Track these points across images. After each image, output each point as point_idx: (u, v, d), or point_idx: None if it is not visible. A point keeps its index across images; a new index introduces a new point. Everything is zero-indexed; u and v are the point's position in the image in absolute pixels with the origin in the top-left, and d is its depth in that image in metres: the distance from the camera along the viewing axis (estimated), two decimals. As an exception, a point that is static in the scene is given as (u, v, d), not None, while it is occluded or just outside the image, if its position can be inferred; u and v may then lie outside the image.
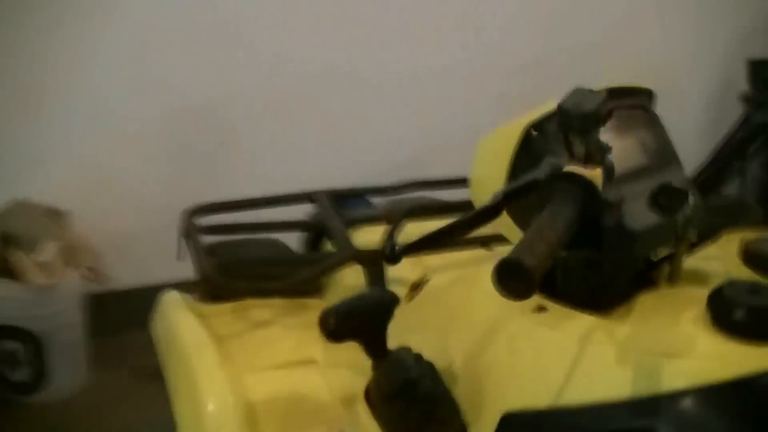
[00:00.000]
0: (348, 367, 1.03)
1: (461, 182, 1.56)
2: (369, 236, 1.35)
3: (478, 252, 1.28)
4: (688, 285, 0.98)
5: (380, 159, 2.84)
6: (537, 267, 0.66)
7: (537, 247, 0.67)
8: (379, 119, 2.83)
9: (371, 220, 1.38)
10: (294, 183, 2.69)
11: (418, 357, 0.95)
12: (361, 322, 0.89)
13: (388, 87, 2.80)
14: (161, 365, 1.22)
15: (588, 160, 0.78)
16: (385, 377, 0.92)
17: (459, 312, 1.09)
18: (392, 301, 0.92)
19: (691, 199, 0.93)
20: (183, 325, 1.14)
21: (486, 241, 1.27)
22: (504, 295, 0.69)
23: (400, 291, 1.24)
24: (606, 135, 0.99)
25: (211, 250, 1.24)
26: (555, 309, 0.98)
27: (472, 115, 2.93)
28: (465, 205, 1.28)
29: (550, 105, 0.99)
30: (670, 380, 0.79)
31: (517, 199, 0.85)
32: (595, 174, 0.76)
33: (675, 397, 0.78)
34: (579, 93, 0.80)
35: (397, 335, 1.11)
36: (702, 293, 0.92)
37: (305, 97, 2.70)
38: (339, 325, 0.87)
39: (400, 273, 1.25)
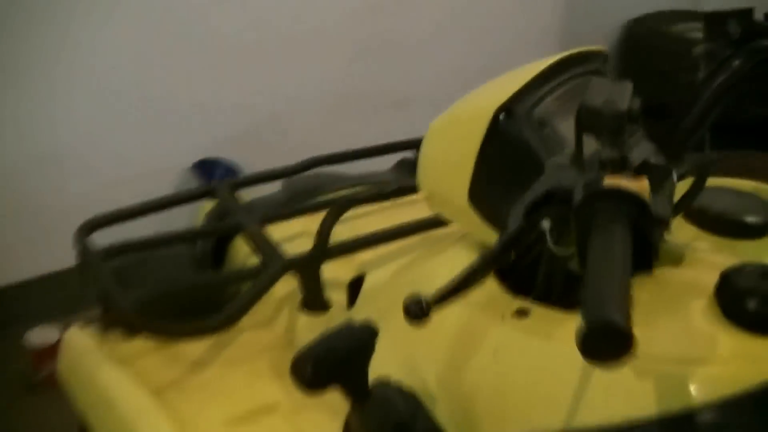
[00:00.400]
0: (316, 409, 0.90)
1: (363, 154, 1.44)
2: (280, 233, 1.21)
3: (412, 240, 1.16)
4: (663, 266, 0.91)
5: (238, 122, 2.67)
6: (630, 322, 0.55)
7: (617, 296, 0.56)
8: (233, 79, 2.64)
9: (289, 214, 1.23)
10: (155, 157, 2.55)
11: (401, 390, 0.84)
12: (341, 366, 0.76)
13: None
14: (80, 420, 1.04)
15: (619, 166, 0.67)
16: (373, 421, 0.80)
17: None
18: (372, 335, 0.79)
19: (674, 174, 0.85)
20: (114, 384, 0.96)
21: (419, 227, 1.15)
22: (596, 365, 0.57)
23: (337, 296, 1.12)
24: (566, 107, 0.90)
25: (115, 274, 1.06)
26: (537, 311, 0.89)
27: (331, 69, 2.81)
28: (403, 190, 1.16)
29: (513, 80, 0.88)
30: (699, 391, 0.71)
31: (540, 213, 0.72)
32: (642, 186, 0.64)
33: (709, 410, 0.70)
34: (602, 87, 0.69)
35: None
36: (691, 276, 0.85)
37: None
38: (317, 374, 0.74)
39: (333, 274, 1.11)
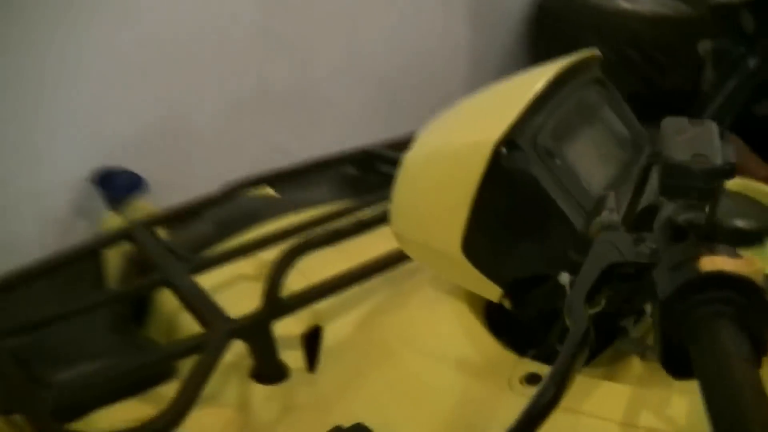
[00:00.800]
0: None
1: (295, 174, 1.27)
2: (214, 281, 1.02)
3: (374, 282, 0.99)
4: None
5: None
6: None
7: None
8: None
9: (225, 258, 1.04)
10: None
11: None
12: None
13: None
14: None
15: (708, 236, 0.51)
16: None
17: (397, 383, 0.82)
18: None
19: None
20: None
21: (385, 264, 0.98)
22: None
23: (292, 356, 0.94)
24: (571, 130, 0.74)
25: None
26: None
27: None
28: (365, 224, 0.98)
29: (507, 103, 0.72)
30: None
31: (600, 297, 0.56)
32: (751, 266, 0.48)
33: None
34: (680, 132, 0.53)
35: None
36: None
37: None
38: None
39: (283, 328, 0.93)
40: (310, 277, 0.96)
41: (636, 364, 0.74)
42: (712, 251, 0.47)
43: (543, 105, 0.71)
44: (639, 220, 0.60)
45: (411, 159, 0.76)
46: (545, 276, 0.71)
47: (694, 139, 0.52)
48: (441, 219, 0.73)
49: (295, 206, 1.21)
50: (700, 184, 0.51)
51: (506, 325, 0.81)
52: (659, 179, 0.52)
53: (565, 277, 0.68)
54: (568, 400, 0.70)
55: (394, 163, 1.26)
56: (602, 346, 0.75)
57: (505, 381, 0.74)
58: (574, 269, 0.68)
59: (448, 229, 0.72)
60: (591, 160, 0.72)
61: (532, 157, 0.68)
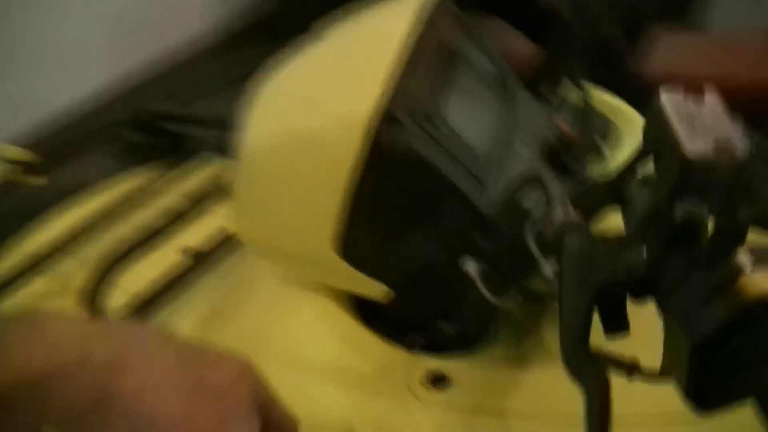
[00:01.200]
0: None
1: (68, 148, 1.07)
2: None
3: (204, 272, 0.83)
4: None
5: None
6: None
7: None
8: None
9: (8, 282, 0.83)
10: None
11: None
12: None
13: None
14: None
15: (726, 243, 0.39)
16: None
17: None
18: None
19: None
20: None
21: (212, 251, 0.82)
22: None
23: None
24: (451, 88, 0.62)
25: None
26: (458, 374, 0.64)
27: None
28: (181, 212, 0.81)
29: (370, 65, 0.58)
30: None
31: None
32: None
33: None
34: (686, 116, 0.41)
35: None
36: None
37: None
38: None
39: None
40: (127, 285, 0.78)
41: (547, 337, 0.65)
42: (744, 265, 0.37)
43: (409, 60, 0.58)
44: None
45: (252, 144, 0.60)
46: (439, 266, 0.59)
47: (705, 122, 0.41)
48: (305, 217, 0.59)
49: (76, 188, 1.01)
50: (728, 180, 0.40)
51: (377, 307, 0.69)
52: (674, 178, 0.41)
53: (471, 265, 0.57)
54: (479, 400, 0.60)
55: (178, 119, 1.09)
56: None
57: (402, 386, 0.63)
58: (481, 254, 0.57)
59: (315, 229, 0.59)
60: (472, 117, 0.61)
61: (413, 129, 0.55)
